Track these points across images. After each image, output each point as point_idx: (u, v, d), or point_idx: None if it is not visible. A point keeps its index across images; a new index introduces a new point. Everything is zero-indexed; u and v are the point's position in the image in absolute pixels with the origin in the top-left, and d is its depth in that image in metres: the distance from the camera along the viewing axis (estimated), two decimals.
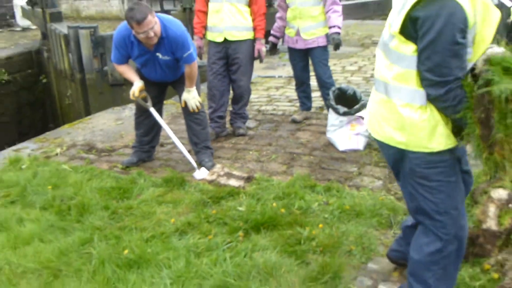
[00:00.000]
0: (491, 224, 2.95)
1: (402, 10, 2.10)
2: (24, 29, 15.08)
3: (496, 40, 2.14)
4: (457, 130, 2.16)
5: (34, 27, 13.92)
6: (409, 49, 2.12)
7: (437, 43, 1.98)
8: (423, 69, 2.07)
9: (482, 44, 2.06)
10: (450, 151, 2.20)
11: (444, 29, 1.96)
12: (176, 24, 4.25)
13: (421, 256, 2.37)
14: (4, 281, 3.00)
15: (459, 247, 2.36)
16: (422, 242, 2.37)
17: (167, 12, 10.37)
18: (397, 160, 2.36)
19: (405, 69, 2.17)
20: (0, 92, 11.43)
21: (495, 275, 2.75)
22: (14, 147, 5.54)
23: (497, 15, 2.06)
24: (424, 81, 2.09)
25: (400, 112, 2.21)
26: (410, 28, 2.09)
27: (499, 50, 2.02)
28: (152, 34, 4.01)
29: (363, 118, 4.87)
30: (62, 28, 10.27)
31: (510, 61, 1.94)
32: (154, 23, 4.00)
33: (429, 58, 2.03)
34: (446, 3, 1.96)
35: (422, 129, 2.17)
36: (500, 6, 5.87)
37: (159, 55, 4.27)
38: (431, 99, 2.11)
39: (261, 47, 5.33)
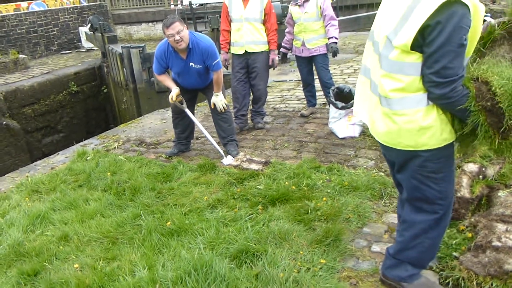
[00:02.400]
0: (464, 192, 2.87)
1: (409, 23, 1.82)
2: (88, 50, 15.23)
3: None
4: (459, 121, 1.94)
5: (95, 48, 14.04)
6: (412, 57, 1.87)
7: (446, 47, 1.75)
8: (430, 72, 1.82)
9: (475, 38, 1.87)
10: (452, 144, 2.03)
11: (453, 33, 1.74)
12: (206, 38, 4.24)
13: (415, 231, 2.21)
14: (73, 247, 3.04)
15: (446, 222, 2.23)
16: (416, 219, 2.19)
17: (200, 32, 10.35)
18: (406, 159, 2.09)
19: (408, 77, 1.90)
20: (71, 100, 11.60)
21: (469, 234, 2.68)
22: (81, 143, 5.60)
23: (483, 8, 1.84)
24: (429, 83, 1.84)
25: (412, 120, 1.94)
26: (419, 38, 1.82)
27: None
28: (178, 37, 3.98)
29: None
30: (117, 48, 10.33)
31: None
32: (182, 30, 3.98)
33: (437, 61, 1.78)
34: (457, 9, 1.73)
35: (430, 130, 1.94)
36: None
37: (192, 64, 4.24)
38: (434, 97, 1.87)
39: (275, 57, 5.27)
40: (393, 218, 3.11)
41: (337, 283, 2.45)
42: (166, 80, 4.43)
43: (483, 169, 3.02)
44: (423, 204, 2.16)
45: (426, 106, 1.92)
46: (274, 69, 5.57)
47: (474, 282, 2.32)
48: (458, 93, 1.82)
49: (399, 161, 2.17)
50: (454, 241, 2.66)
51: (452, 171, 2.13)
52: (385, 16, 2.00)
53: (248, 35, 5.07)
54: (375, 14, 2.21)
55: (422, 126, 1.94)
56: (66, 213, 3.55)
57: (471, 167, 3.01)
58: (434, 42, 1.78)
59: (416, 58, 1.86)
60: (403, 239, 2.28)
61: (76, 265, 2.81)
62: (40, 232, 3.33)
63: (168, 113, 6.63)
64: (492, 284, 2.28)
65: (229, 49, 5.30)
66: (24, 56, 12.59)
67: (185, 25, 4.06)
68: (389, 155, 2.25)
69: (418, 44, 1.84)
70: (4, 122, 9.55)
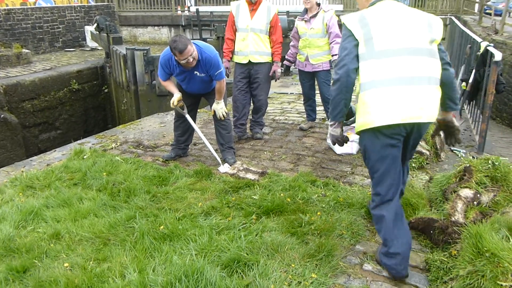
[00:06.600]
0: (458, 217, 2.87)
1: (433, 29, 2.53)
2: (92, 49, 15.28)
3: None
4: None
5: (100, 48, 14.09)
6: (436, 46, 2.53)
7: None
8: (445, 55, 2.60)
9: None
10: None
11: None
12: (210, 49, 4.25)
13: None
14: (64, 246, 3.01)
15: None
16: None
17: (205, 40, 10.41)
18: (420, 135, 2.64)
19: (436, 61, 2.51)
20: (72, 98, 11.59)
21: None
22: (79, 141, 5.59)
23: None
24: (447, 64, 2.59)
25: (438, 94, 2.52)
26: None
27: None
28: (191, 59, 4.03)
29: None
30: (121, 49, 10.37)
31: None
32: (193, 50, 4.01)
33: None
34: None
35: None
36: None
37: (197, 73, 4.27)
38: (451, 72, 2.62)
39: (277, 68, 5.30)
40: None
41: None
42: (169, 85, 4.45)
43: (478, 195, 3.03)
44: None
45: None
46: (275, 81, 5.60)
47: None
48: None
49: (422, 134, 2.65)
50: (445, 265, 2.66)
51: None
52: (413, 30, 2.51)
53: (253, 45, 5.11)
54: None
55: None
56: (59, 211, 3.52)
57: (467, 192, 3.02)
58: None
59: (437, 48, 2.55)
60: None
61: (66, 264, 2.78)
62: (32, 228, 3.30)
63: (168, 117, 6.64)
64: None
65: (231, 58, 5.33)
66: (27, 50, 12.60)
67: (191, 42, 4.05)
68: (418, 136, 2.63)
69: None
70: (2, 116, 9.51)
